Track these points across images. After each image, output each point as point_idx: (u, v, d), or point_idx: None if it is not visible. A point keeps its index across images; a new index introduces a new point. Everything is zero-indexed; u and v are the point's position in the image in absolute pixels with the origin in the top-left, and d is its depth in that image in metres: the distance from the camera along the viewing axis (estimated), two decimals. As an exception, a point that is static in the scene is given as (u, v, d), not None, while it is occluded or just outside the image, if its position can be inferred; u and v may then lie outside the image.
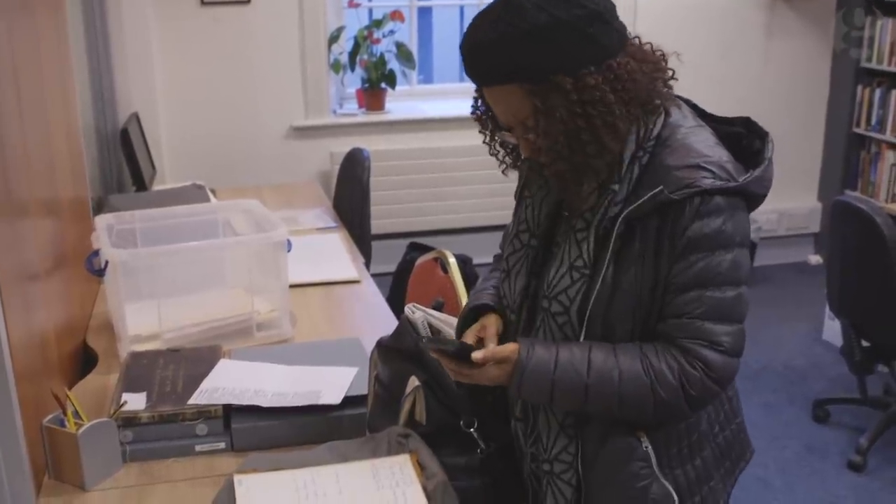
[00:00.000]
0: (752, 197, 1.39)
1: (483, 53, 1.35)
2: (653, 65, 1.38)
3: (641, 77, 1.35)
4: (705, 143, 1.38)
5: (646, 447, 1.43)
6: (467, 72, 1.40)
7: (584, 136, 1.33)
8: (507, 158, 1.54)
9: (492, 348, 1.42)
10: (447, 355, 1.44)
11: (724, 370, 1.38)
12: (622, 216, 1.35)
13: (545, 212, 1.51)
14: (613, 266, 1.37)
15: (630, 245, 1.36)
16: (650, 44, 1.41)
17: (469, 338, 1.52)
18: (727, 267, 1.35)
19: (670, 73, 1.41)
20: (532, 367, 1.39)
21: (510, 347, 1.41)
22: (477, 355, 1.40)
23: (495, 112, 1.43)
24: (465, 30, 1.39)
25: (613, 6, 1.36)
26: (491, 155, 1.54)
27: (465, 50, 1.38)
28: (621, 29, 1.37)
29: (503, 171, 1.57)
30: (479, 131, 1.51)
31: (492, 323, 1.54)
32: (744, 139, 1.45)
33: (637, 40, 1.40)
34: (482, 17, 1.36)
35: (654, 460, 1.43)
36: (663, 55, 1.42)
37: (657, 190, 1.33)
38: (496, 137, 1.50)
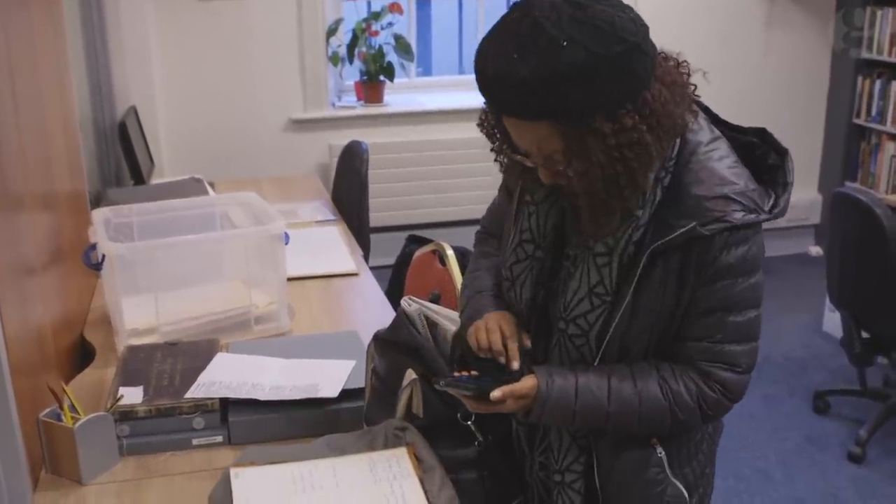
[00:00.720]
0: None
1: (510, 88, 1.22)
2: (681, 88, 1.31)
3: (674, 107, 1.27)
4: (727, 165, 1.34)
5: (660, 453, 1.45)
6: (485, 96, 1.29)
7: (622, 180, 1.26)
8: (523, 176, 1.43)
9: (511, 386, 1.38)
10: (468, 397, 1.42)
11: (740, 388, 1.40)
12: (650, 250, 1.32)
13: (551, 223, 1.46)
14: (635, 293, 1.35)
15: (652, 273, 1.34)
16: (675, 60, 1.34)
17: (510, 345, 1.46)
18: (749, 291, 1.35)
19: (693, 87, 1.35)
20: (554, 400, 1.38)
21: (529, 384, 1.39)
22: (496, 394, 1.37)
23: (514, 138, 1.32)
24: (481, 47, 1.26)
25: (647, 29, 1.26)
26: (500, 172, 1.46)
27: (486, 76, 1.25)
28: (653, 53, 1.27)
29: (501, 171, 1.48)
30: (491, 148, 1.41)
31: (510, 325, 1.48)
32: (758, 149, 1.42)
33: (662, 56, 1.31)
34: (504, 39, 1.23)
35: (666, 464, 1.45)
36: (687, 67, 1.34)
37: (690, 226, 1.29)
38: (504, 151, 1.40)
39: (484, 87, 1.28)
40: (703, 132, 1.37)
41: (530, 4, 1.23)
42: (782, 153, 1.41)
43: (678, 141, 1.35)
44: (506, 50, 1.22)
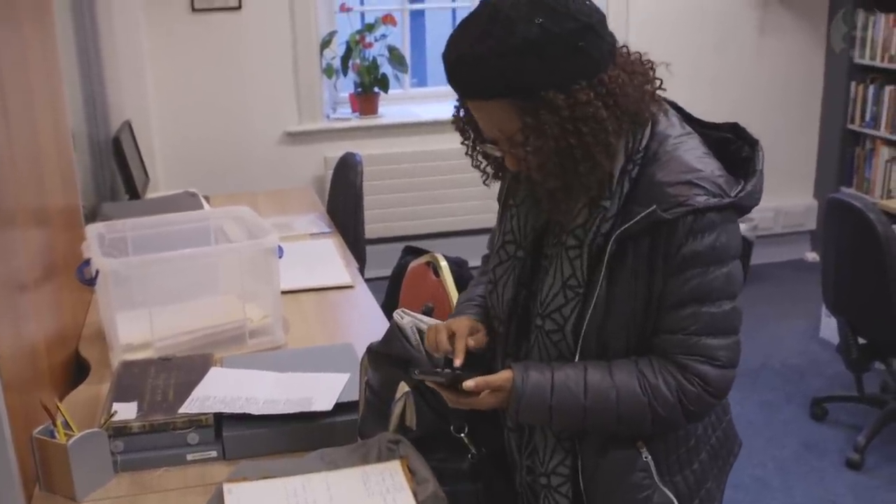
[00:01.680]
0: (743, 208, 1.38)
1: (469, 67, 1.29)
2: (642, 76, 1.35)
3: (632, 90, 1.32)
4: (695, 155, 1.36)
5: (646, 457, 1.43)
6: (451, 83, 1.35)
7: (577, 154, 1.29)
8: (488, 169, 1.50)
9: (485, 377, 1.40)
10: (441, 385, 1.43)
11: (722, 383, 1.38)
12: (614, 236, 1.33)
13: (531, 223, 1.49)
14: (607, 284, 1.35)
15: (623, 262, 1.35)
16: (638, 53, 1.38)
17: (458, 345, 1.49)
18: (722, 281, 1.34)
19: (658, 82, 1.38)
20: (529, 394, 1.38)
21: (504, 376, 1.40)
22: (469, 384, 1.38)
23: (480, 124, 1.38)
24: (448, 39, 1.34)
25: (604, 17, 1.32)
26: (473, 167, 1.50)
27: (448, 62, 1.33)
28: (611, 40, 1.33)
29: (485, 182, 1.53)
30: (462, 142, 1.47)
31: (462, 326, 1.52)
32: (732, 145, 1.43)
33: (625, 50, 1.37)
34: (466, 27, 1.31)
35: (654, 469, 1.44)
36: (651, 65, 1.38)
37: (650, 210, 1.31)
38: (478, 148, 1.46)
39: (448, 74, 1.34)
40: (673, 128, 1.39)
41: None
42: (753, 144, 1.42)
43: (647, 133, 1.37)
44: (466, 36, 1.31)
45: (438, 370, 1.46)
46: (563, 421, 1.41)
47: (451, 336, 1.51)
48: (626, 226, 1.33)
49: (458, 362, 1.46)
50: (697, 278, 1.33)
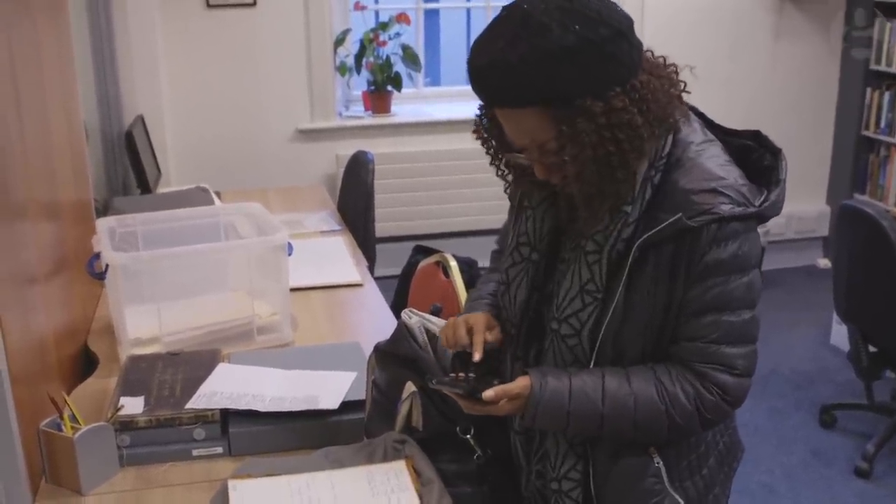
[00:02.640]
0: (764, 218, 1.38)
1: (500, 74, 1.26)
2: (668, 80, 1.34)
3: (662, 95, 1.31)
4: (717, 163, 1.35)
5: (657, 463, 1.43)
6: (477, 90, 1.32)
7: (614, 161, 1.28)
8: (509, 176, 1.47)
9: (503, 386, 1.39)
10: (460, 396, 1.42)
11: (739, 392, 1.38)
12: (638, 243, 1.32)
13: (548, 226, 1.47)
14: (626, 290, 1.35)
15: (643, 269, 1.34)
16: (663, 57, 1.37)
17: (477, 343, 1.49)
18: (743, 290, 1.34)
19: (682, 85, 1.37)
20: (547, 401, 1.38)
21: (522, 383, 1.39)
22: (488, 394, 1.37)
23: (508, 132, 1.35)
24: (473, 44, 1.30)
25: (633, 22, 1.30)
26: (497, 176, 1.48)
27: (476, 67, 1.29)
28: (639, 45, 1.31)
29: (506, 191, 1.51)
30: (486, 152, 1.44)
31: (479, 320, 1.52)
32: (753, 153, 1.43)
33: (650, 54, 1.36)
34: (495, 31, 1.28)
35: (664, 475, 1.43)
36: (675, 68, 1.37)
37: (676, 217, 1.30)
38: (500, 156, 1.44)
39: (476, 80, 1.31)
40: (695, 134, 1.39)
41: (520, 1, 1.28)
42: (776, 153, 1.42)
43: (669, 140, 1.36)
44: (496, 41, 1.26)
45: (452, 377, 1.45)
46: (580, 427, 1.40)
47: (469, 331, 1.50)
48: (651, 233, 1.32)
49: (477, 357, 1.45)
50: (719, 287, 1.33)
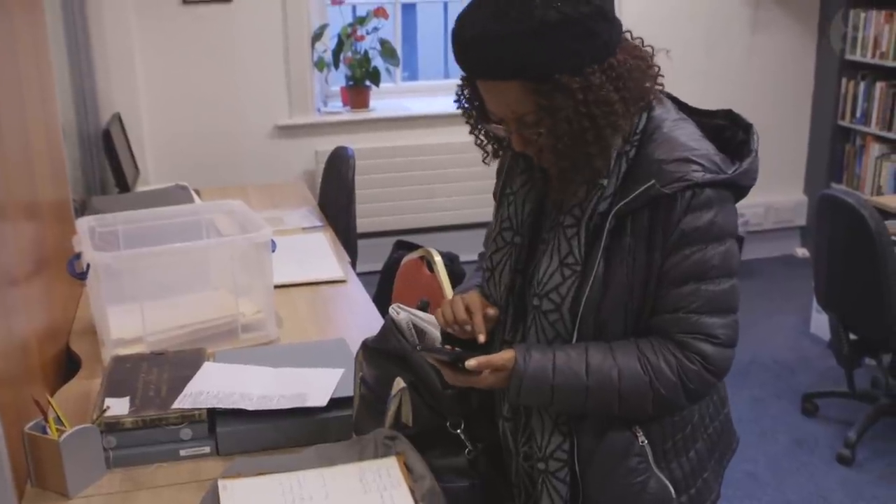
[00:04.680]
0: (739, 189, 1.40)
1: (484, 47, 1.29)
2: (644, 61, 1.37)
3: (639, 74, 1.34)
4: (690, 136, 1.38)
5: (642, 442, 1.43)
6: (461, 63, 1.35)
7: (588, 136, 1.31)
8: (488, 147, 1.51)
9: (488, 357, 1.40)
10: (443, 363, 1.43)
11: (722, 362, 1.39)
12: (613, 211, 1.35)
13: (528, 208, 1.49)
14: (605, 262, 1.36)
15: (621, 240, 1.36)
16: (640, 39, 1.40)
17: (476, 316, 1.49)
18: (721, 259, 1.35)
19: (657, 68, 1.40)
20: (531, 374, 1.38)
21: (506, 355, 1.40)
22: (471, 363, 1.38)
23: (488, 104, 1.38)
24: (459, 17, 1.33)
25: (613, 2, 1.33)
26: (476, 145, 1.51)
27: (461, 41, 1.32)
28: (619, 24, 1.35)
29: (484, 161, 1.53)
30: (466, 121, 1.48)
31: (476, 300, 1.52)
32: (727, 131, 1.45)
33: (629, 35, 1.39)
34: (480, 5, 1.31)
35: (650, 455, 1.44)
36: (652, 50, 1.41)
37: (649, 184, 1.32)
38: (481, 127, 1.47)
39: (461, 51, 1.34)
40: (668, 112, 1.42)
41: None
42: (747, 128, 1.44)
43: (644, 116, 1.39)
44: (481, 15, 1.30)
45: (441, 348, 1.46)
46: (565, 401, 1.40)
47: (467, 309, 1.50)
48: (625, 201, 1.34)
49: (482, 339, 1.46)
50: (697, 255, 1.34)
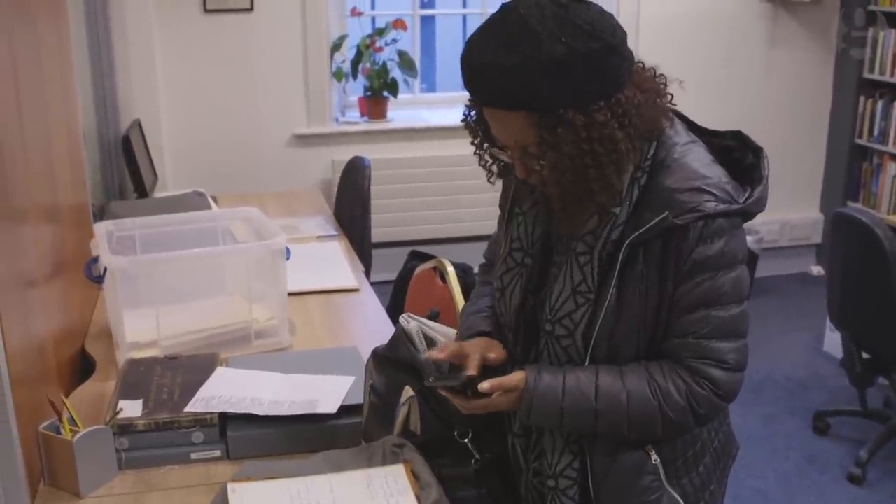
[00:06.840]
0: (749, 214, 1.40)
1: (493, 77, 1.29)
2: (656, 95, 1.37)
3: (646, 109, 1.34)
4: (702, 162, 1.38)
5: (655, 460, 1.44)
6: (468, 87, 1.35)
7: (591, 173, 1.31)
8: (493, 167, 1.51)
9: (498, 378, 1.41)
10: (454, 392, 1.44)
11: (731, 386, 1.40)
12: (627, 242, 1.35)
13: (539, 230, 1.50)
14: (618, 290, 1.37)
15: (633, 268, 1.36)
16: (653, 69, 1.40)
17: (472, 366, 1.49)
18: (731, 285, 1.37)
19: (669, 97, 1.40)
20: (540, 395, 1.40)
21: (517, 377, 1.42)
22: (484, 385, 1.40)
23: (493, 129, 1.39)
24: (469, 42, 1.33)
25: (626, 35, 1.33)
26: (479, 165, 1.52)
27: (469, 66, 1.32)
28: (630, 58, 1.34)
29: (489, 180, 1.54)
30: (471, 142, 1.48)
31: (475, 349, 1.52)
32: (735, 152, 1.45)
33: (641, 65, 1.38)
34: (490, 34, 1.30)
35: (662, 472, 1.45)
36: (665, 80, 1.40)
37: (662, 216, 1.33)
38: (485, 147, 1.47)
39: (468, 79, 1.34)
40: (679, 135, 1.42)
41: (516, 3, 1.30)
42: (757, 151, 1.44)
43: (654, 143, 1.38)
44: (491, 43, 1.30)
45: (450, 375, 1.47)
46: (574, 423, 1.42)
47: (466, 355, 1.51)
48: (639, 232, 1.34)
49: (471, 373, 1.46)
50: (707, 283, 1.35)
